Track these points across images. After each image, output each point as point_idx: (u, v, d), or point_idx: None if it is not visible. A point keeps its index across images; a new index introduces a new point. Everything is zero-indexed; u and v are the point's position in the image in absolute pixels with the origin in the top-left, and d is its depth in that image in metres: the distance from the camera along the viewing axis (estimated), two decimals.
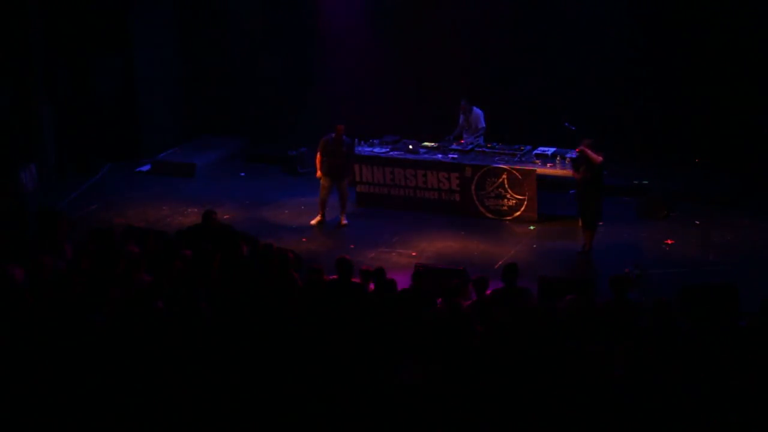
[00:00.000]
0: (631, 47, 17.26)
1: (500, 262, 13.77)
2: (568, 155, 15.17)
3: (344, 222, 15.45)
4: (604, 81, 17.39)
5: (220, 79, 19.41)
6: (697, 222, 15.25)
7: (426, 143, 16.29)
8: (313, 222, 15.59)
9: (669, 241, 14.54)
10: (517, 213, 15.47)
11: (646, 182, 16.08)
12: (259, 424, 8.22)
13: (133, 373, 8.77)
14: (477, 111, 16.63)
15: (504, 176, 15.40)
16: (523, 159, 15.64)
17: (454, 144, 16.32)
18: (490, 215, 15.60)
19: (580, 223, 14.44)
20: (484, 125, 16.59)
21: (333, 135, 15.32)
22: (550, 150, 15.63)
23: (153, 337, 9.40)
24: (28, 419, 8.13)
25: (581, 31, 17.47)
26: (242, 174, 18.16)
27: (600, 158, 13.87)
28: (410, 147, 16.07)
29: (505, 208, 15.51)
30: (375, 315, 10.10)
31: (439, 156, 15.99)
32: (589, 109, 16.99)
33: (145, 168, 18.43)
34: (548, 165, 15.39)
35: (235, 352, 9.19)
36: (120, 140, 18.49)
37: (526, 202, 15.37)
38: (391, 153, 16.20)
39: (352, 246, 14.56)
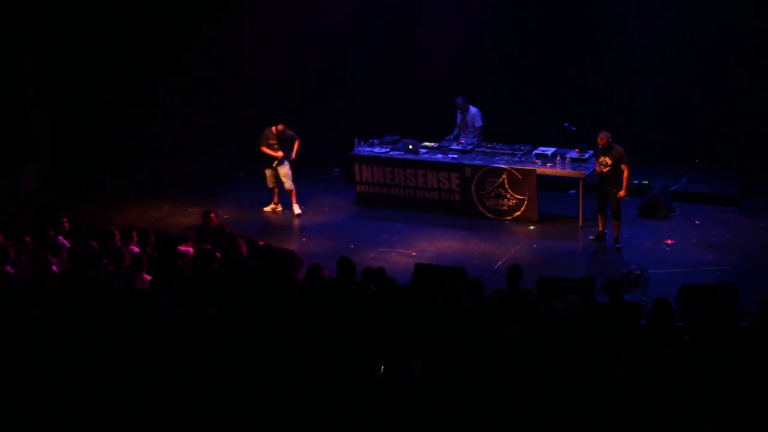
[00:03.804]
0: (631, 47, 17.24)
1: (500, 262, 13.77)
2: (568, 155, 15.23)
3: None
4: (603, 81, 17.38)
5: (221, 78, 19.39)
6: (697, 222, 15.25)
7: (426, 143, 16.28)
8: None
9: (669, 241, 14.53)
10: (517, 213, 15.46)
11: (646, 182, 16.06)
12: (260, 424, 8.22)
13: (134, 373, 8.77)
14: (474, 110, 16.62)
15: (504, 176, 15.39)
16: (523, 159, 15.63)
17: (454, 144, 16.31)
18: (490, 215, 15.59)
19: (600, 218, 14.44)
20: (480, 124, 16.57)
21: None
22: (550, 150, 15.62)
23: (154, 337, 9.40)
24: (28, 419, 8.12)
25: (581, 30, 17.46)
26: (242, 174, 18.15)
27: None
28: (410, 147, 16.06)
29: (505, 208, 15.50)
30: (377, 313, 10.10)
31: (439, 156, 15.98)
32: (589, 109, 16.98)
33: (149, 168, 18.41)
34: (548, 165, 15.38)
35: (236, 352, 9.19)
36: (120, 140, 18.47)
37: (526, 202, 15.36)
38: (391, 153, 16.19)
39: (352, 246, 14.55)
